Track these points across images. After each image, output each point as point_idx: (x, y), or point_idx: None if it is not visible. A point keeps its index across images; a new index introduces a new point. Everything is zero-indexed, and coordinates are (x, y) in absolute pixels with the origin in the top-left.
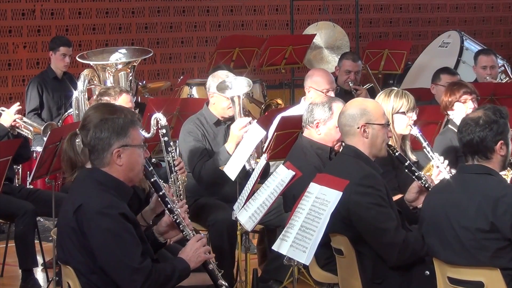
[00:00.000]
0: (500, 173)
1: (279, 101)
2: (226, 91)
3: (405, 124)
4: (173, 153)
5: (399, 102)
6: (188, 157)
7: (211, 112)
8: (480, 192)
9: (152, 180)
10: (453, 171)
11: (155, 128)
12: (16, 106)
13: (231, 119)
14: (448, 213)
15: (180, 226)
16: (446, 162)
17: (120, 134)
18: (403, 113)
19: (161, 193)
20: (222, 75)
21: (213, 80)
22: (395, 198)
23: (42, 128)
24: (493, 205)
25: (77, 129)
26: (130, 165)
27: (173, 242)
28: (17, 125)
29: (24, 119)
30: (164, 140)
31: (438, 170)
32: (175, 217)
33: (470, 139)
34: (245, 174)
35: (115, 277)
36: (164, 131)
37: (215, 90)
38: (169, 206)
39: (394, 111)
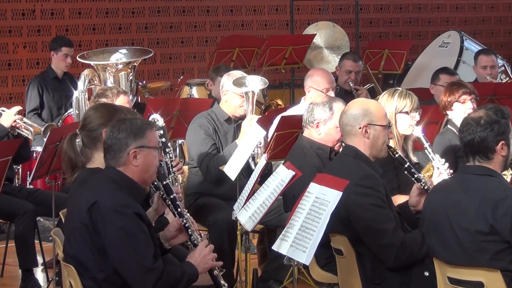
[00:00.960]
0: (500, 173)
1: (279, 102)
2: (242, 87)
3: (407, 124)
4: (170, 154)
5: (403, 102)
6: (197, 149)
7: (222, 109)
8: (480, 194)
9: (164, 183)
10: (453, 172)
11: None
12: (17, 108)
13: (242, 119)
14: (448, 214)
15: (189, 230)
16: (447, 164)
17: (137, 135)
18: (406, 113)
19: (172, 196)
20: (237, 73)
21: (228, 78)
22: (399, 201)
23: (42, 129)
24: (493, 208)
25: (77, 130)
26: (145, 167)
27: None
28: (17, 125)
29: (24, 119)
30: (161, 141)
31: (439, 171)
32: (185, 221)
33: (471, 139)
34: (248, 174)
35: (126, 276)
36: (161, 132)
37: (229, 87)
38: (179, 210)
39: (398, 111)
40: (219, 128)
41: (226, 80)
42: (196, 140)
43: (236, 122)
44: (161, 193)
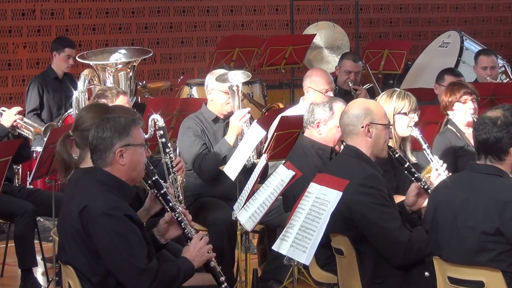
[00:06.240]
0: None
1: (281, 105)
2: (226, 82)
3: (406, 125)
4: (171, 154)
5: (401, 103)
6: (188, 151)
7: (209, 110)
8: (489, 195)
9: (153, 178)
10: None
11: (152, 129)
12: (17, 108)
13: (230, 116)
14: (456, 212)
15: (182, 224)
16: (445, 165)
17: (122, 134)
18: (405, 114)
19: (162, 191)
20: (219, 71)
21: (211, 76)
22: (397, 201)
23: (42, 129)
24: (501, 210)
25: (69, 131)
26: (133, 165)
27: (170, 240)
28: (17, 125)
29: (25, 119)
30: (161, 142)
31: (437, 173)
32: (177, 215)
33: (486, 138)
34: (244, 171)
35: (121, 279)
36: (161, 132)
37: (213, 86)
38: (170, 204)
39: (396, 112)
40: (207, 128)
41: (210, 79)
42: (186, 142)
43: (224, 121)
44: (155, 191)
